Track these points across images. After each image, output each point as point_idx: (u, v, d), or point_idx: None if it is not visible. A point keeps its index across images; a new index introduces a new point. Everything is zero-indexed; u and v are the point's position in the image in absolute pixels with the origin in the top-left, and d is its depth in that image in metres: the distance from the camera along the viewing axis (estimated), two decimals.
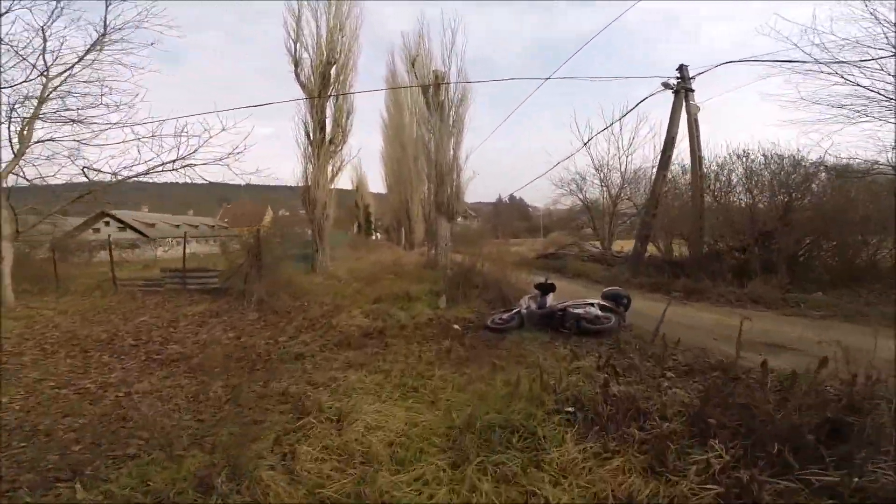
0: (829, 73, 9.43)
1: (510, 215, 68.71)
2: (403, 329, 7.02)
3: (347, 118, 17.34)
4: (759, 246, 10.42)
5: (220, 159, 10.57)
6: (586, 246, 20.58)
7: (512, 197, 69.25)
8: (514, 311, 6.92)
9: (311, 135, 16.48)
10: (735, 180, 11.76)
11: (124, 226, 39.90)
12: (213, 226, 53.11)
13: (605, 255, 17.63)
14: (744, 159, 11.51)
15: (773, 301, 8.68)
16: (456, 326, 7.06)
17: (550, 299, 7.09)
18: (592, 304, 6.43)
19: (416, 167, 24.40)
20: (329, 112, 16.62)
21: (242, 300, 10.60)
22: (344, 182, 51.46)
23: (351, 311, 8.40)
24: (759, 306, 8.66)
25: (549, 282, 7.14)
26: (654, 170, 12.75)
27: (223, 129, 10.80)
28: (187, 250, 15.68)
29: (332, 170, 17.43)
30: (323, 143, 16.54)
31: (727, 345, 5.85)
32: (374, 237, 50.42)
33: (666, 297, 10.25)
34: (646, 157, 23.35)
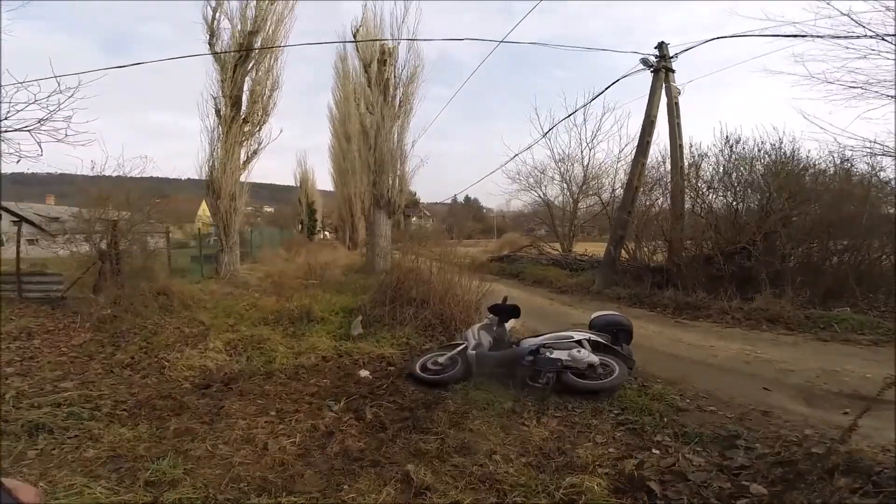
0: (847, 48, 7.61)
1: (465, 216, 67.04)
2: (270, 378, 4.34)
3: (270, 94, 14.46)
4: (765, 249, 8.53)
5: (29, 128, 7.29)
6: (545, 248, 18.51)
7: (467, 198, 67.43)
8: (459, 347, 4.38)
9: (222, 111, 13.47)
10: (721, 172, 9.89)
11: (19, 219, 34.06)
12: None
13: (567, 259, 15.55)
14: (732, 147, 9.64)
15: (793, 320, 6.69)
16: (364, 373, 4.45)
17: (511, 326, 4.66)
18: (580, 342, 4.00)
19: (360, 159, 21.59)
20: (248, 87, 13.72)
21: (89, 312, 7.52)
22: (287, 178, 47.65)
23: (214, 338, 5.57)
24: (779, 327, 6.65)
25: (509, 303, 4.67)
26: (632, 155, 10.69)
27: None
28: (57, 249, 12.02)
29: (247, 153, 14.39)
30: (235, 120, 13.48)
31: (786, 397, 3.97)
32: (321, 236, 47.21)
33: (651, 312, 8.14)
34: (610, 150, 21.75)
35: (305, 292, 8.97)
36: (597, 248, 16.89)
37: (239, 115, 13.63)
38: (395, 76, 14.20)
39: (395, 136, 14.06)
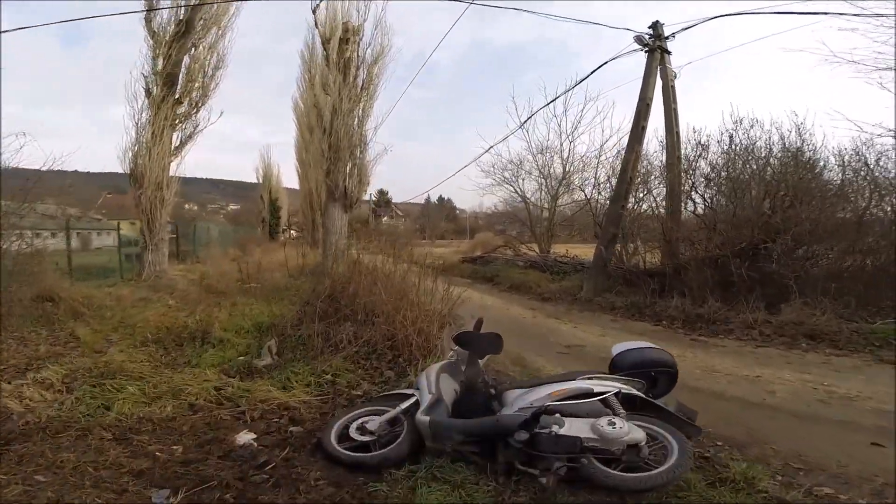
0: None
1: (438, 216, 65.53)
2: (84, 437, 2.58)
3: (213, 74, 12.55)
4: (784, 250, 7.20)
5: None
6: (522, 249, 16.97)
7: (441, 198, 65.90)
8: (406, 402, 2.65)
9: (153, 91, 11.52)
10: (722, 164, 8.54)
11: None
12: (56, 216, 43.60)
13: (546, 261, 14.04)
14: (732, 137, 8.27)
15: (840, 336, 5.31)
16: (245, 437, 2.68)
17: (484, 365, 2.98)
18: (605, 400, 2.35)
19: (314, 145, 19.60)
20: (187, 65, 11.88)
21: None
22: (249, 174, 45.09)
23: (55, 364, 3.71)
24: (824, 345, 5.26)
25: (482, 331, 2.98)
26: (625, 141, 9.23)
27: None
28: None
29: (181, 138, 12.35)
30: (166, 101, 11.48)
31: None
32: (286, 236, 44.74)
33: (656, 326, 6.67)
34: (592, 142, 20.40)
35: (229, 300, 7.09)
36: (578, 249, 15.50)
37: (171, 96, 11.70)
38: (358, 55, 12.46)
39: (356, 120, 12.28)
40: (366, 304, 4.97)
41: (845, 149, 7.40)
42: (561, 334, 6.12)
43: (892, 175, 7.24)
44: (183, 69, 11.91)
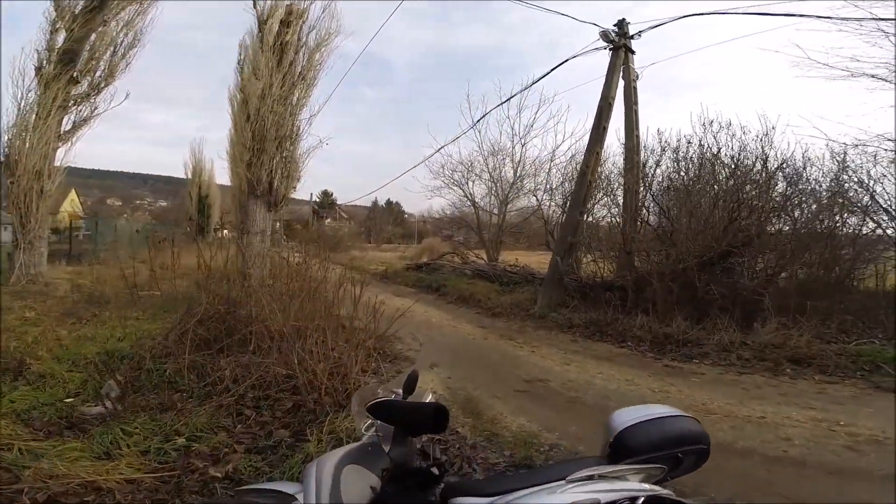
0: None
1: (385, 220, 63.81)
2: None
3: (125, 54, 10.83)
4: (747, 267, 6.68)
5: None
6: (470, 256, 16.02)
7: (389, 202, 64.21)
8: None
9: (44, 68, 9.68)
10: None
11: None
12: None
13: (495, 270, 13.16)
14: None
15: (827, 360, 4.69)
16: None
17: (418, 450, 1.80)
18: None
19: (236, 134, 17.73)
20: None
21: None
22: (178, 169, 41.40)
23: None
24: (811, 371, 4.62)
25: (424, 399, 1.71)
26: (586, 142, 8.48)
27: None
28: None
29: (74, 122, 10.42)
30: (58, 78, 9.62)
31: None
32: (216, 235, 41.30)
33: (621, 348, 5.85)
34: (544, 146, 19.99)
35: (116, 312, 5.53)
36: (526, 258, 14.79)
37: (66, 74, 9.85)
38: (300, 39, 11.04)
39: (288, 109, 10.82)
40: (268, 326, 3.70)
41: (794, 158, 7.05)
42: (518, 362, 5.11)
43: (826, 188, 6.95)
44: (88, 46, 10.21)
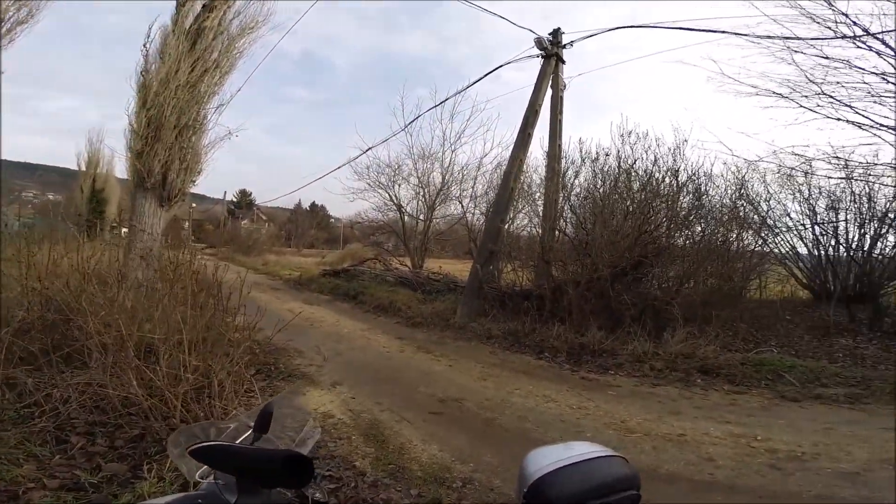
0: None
1: (309, 223, 60.90)
2: None
3: (10, 30, 8.97)
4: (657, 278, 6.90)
5: None
6: (393, 263, 15.47)
7: (314, 204, 61.41)
8: None
9: None
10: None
11: None
12: None
13: (418, 278, 12.76)
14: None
15: (733, 370, 4.84)
16: None
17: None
18: None
19: (128, 124, 15.71)
20: None
21: None
22: (70, 160, 36.25)
23: None
24: (720, 381, 4.73)
25: (304, 430, 1.14)
26: (511, 150, 8.38)
27: None
28: None
29: None
30: None
31: None
32: (114, 233, 36.66)
33: (539, 360, 5.71)
34: (473, 153, 20.06)
35: None
36: (451, 265, 14.60)
37: None
38: (221, 24, 9.84)
39: (195, 97, 9.60)
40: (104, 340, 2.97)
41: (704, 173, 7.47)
42: (433, 378, 4.71)
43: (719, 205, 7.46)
44: None
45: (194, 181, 10.22)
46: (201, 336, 2.99)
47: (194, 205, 46.12)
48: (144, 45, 10.17)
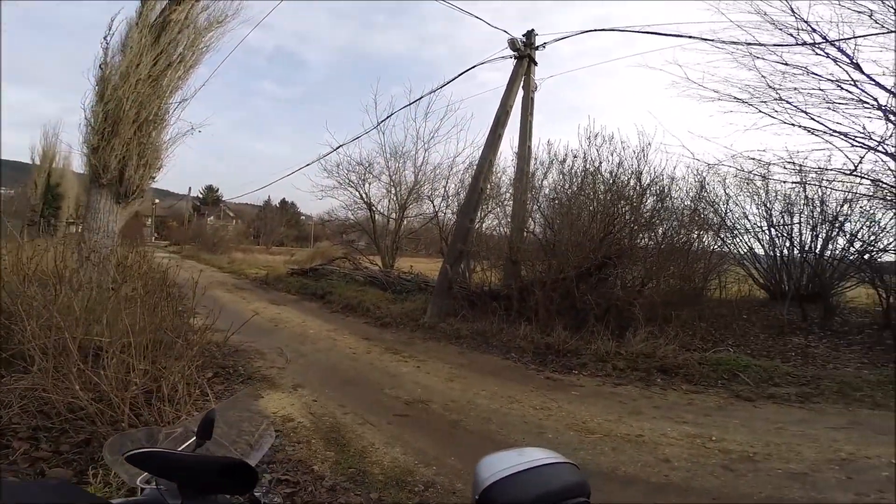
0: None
1: (278, 220, 59.46)
2: None
3: None
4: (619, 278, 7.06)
5: None
6: (363, 262, 15.29)
7: (284, 201, 60.03)
8: None
9: None
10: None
11: None
12: None
13: (388, 277, 12.67)
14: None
15: (691, 370, 4.99)
16: None
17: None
18: None
19: (85, 119, 14.96)
20: None
21: None
22: (24, 153, 34.10)
23: None
24: (678, 380, 4.87)
25: (259, 433, 1.14)
26: (481, 149, 8.42)
27: None
28: None
29: None
30: None
31: None
32: (68, 231, 34.78)
33: (506, 360, 5.75)
34: (446, 153, 20.04)
35: None
36: (422, 265, 14.55)
37: None
38: (188, 17, 9.39)
39: (157, 91, 9.19)
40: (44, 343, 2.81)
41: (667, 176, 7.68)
42: (401, 380, 4.67)
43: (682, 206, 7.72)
44: None
45: (153, 177, 9.79)
46: (151, 339, 2.86)
47: (157, 201, 44.38)
48: (105, 38, 9.62)
